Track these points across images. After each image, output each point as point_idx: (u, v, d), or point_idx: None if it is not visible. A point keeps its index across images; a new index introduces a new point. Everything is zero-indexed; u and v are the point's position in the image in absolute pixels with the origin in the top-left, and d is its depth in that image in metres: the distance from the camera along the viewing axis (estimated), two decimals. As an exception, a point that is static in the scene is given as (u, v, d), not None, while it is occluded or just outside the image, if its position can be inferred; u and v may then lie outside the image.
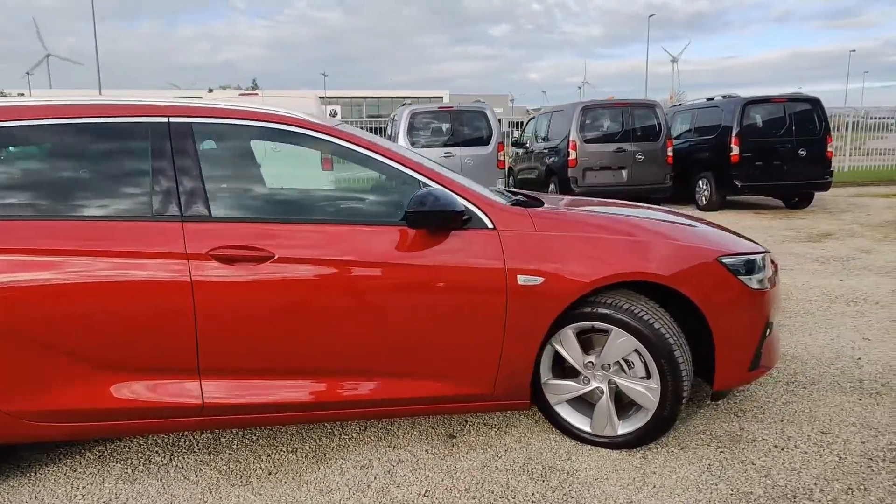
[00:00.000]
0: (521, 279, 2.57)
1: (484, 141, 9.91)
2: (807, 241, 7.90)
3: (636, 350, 2.65)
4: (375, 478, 2.60)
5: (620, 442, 2.76)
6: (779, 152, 10.37)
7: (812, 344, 4.12)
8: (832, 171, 10.64)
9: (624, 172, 10.31)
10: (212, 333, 2.43)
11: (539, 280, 2.57)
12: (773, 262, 3.16)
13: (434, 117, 9.89)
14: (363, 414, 2.65)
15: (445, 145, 9.78)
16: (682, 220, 3.16)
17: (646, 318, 2.61)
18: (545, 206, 3.01)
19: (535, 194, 3.55)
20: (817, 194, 12.07)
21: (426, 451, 2.82)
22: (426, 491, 2.50)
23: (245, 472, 2.66)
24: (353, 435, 2.97)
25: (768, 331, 2.92)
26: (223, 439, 2.95)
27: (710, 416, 3.11)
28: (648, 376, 2.66)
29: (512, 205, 2.79)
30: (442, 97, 74.19)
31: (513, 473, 2.61)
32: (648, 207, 3.60)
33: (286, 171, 2.89)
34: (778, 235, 8.39)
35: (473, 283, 2.55)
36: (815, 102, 10.56)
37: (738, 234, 3.30)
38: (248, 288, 2.43)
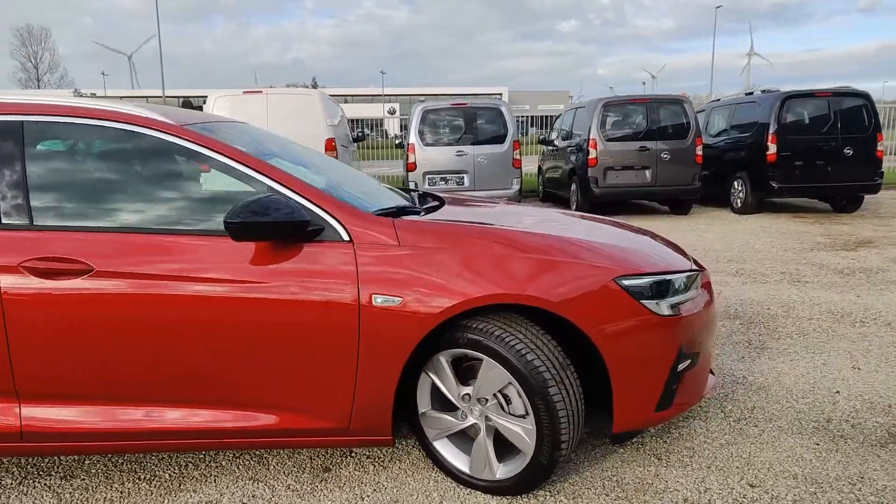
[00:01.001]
0: (378, 300, 2.25)
1: (499, 139, 9.53)
2: (838, 250, 7.18)
3: (512, 384, 2.29)
4: (214, 516, 2.35)
5: (498, 487, 2.41)
6: (822, 151, 9.54)
7: (789, 372, 3.61)
8: (882, 172, 9.73)
9: (648, 173, 9.71)
10: (26, 353, 2.23)
11: (397, 301, 2.25)
12: (708, 281, 2.73)
13: (447, 114, 9.58)
14: (204, 445, 2.39)
15: (458, 143, 9.45)
16: (612, 234, 2.78)
17: (518, 347, 2.24)
18: (436, 213, 2.69)
19: (449, 197, 3.21)
20: (869, 197, 11.11)
21: (288, 486, 2.54)
22: (260, 536, 2.23)
23: (85, 502, 2.45)
24: (223, 463, 2.72)
25: (687, 363, 2.51)
26: (88, 462, 2.76)
27: (627, 457, 2.71)
28: (526, 415, 2.30)
29: (384, 213, 2.47)
30: (501, 94, 73.65)
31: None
32: (593, 219, 3.20)
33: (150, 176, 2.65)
34: (809, 242, 7.68)
35: (321, 305, 2.25)
36: (864, 97, 9.66)
37: (681, 251, 2.88)
38: (62, 305, 2.21)
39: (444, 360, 2.41)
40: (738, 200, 10.27)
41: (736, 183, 10.34)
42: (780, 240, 7.83)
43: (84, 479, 2.61)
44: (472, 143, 9.44)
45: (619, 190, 9.73)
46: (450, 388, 2.45)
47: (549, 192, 12.26)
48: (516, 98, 69.94)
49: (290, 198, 2.31)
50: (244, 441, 2.37)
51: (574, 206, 10.26)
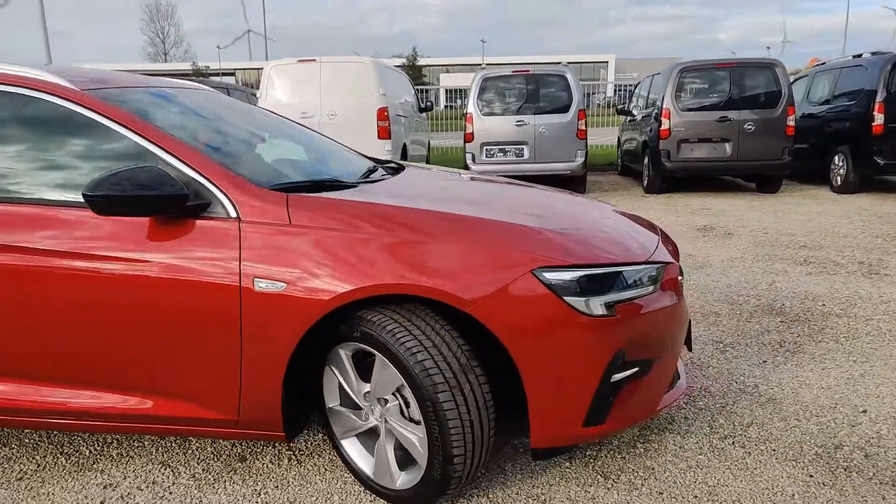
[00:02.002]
0: (260, 284, 2.03)
1: (563, 108, 8.98)
2: (941, 238, 6.20)
3: (405, 385, 2.01)
4: (103, 502, 2.25)
5: (397, 497, 2.15)
6: (941, 123, 8.28)
7: (814, 383, 3.07)
8: None
9: (728, 146, 8.82)
10: None
11: (282, 287, 2.02)
12: (675, 278, 2.30)
13: (508, 82, 9.12)
14: (92, 427, 2.28)
15: (518, 113, 9.00)
16: (568, 217, 2.42)
17: (409, 344, 1.95)
18: (368, 187, 2.42)
19: (413, 165, 2.93)
20: None
21: (194, 474, 2.40)
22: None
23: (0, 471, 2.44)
24: (146, 444, 2.63)
25: (631, 371, 2.12)
26: (24, 434, 2.75)
27: (570, 473, 2.36)
28: (421, 421, 2.02)
29: (286, 187, 2.22)
30: (607, 62, 70.73)
31: (250, 520, 2.13)
32: (560, 198, 2.83)
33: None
34: (908, 228, 6.69)
35: (201, 287, 2.05)
36: None
37: (666, 243, 2.47)
38: None
39: (343, 353, 2.16)
40: (839, 178, 9.17)
41: (836, 158, 9.22)
42: (873, 225, 6.88)
43: (11, 449, 2.60)
44: (534, 113, 8.96)
45: (695, 164, 8.93)
46: (350, 384, 2.20)
47: (626, 166, 11.53)
48: (624, 66, 66.92)
49: (179, 169, 2.11)
50: (131, 426, 2.24)
51: (646, 181, 9.55)
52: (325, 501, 2.22)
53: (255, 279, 2.03)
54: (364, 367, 2.18)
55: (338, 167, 2.84)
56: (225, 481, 2.35)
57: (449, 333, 2.02)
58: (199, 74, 57.78)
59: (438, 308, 2.07)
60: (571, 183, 9.54)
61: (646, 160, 9.59)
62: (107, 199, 1.95)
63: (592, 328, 2.00)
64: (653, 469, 2.38)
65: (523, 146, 8.98)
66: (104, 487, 2.33)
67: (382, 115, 8.32)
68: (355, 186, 2.46)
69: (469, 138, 9.09)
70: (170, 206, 2.02)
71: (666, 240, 2.60)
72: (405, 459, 2.14)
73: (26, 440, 2.67)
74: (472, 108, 9.07)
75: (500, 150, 9.05)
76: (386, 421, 2.14)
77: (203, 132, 2.48)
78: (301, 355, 2.17)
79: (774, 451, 2.50)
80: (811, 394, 2.96)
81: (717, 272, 5.06)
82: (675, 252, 2.59)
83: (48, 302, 2.12)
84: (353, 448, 2.28)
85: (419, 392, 1.95)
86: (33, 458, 2.54)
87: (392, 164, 3.24)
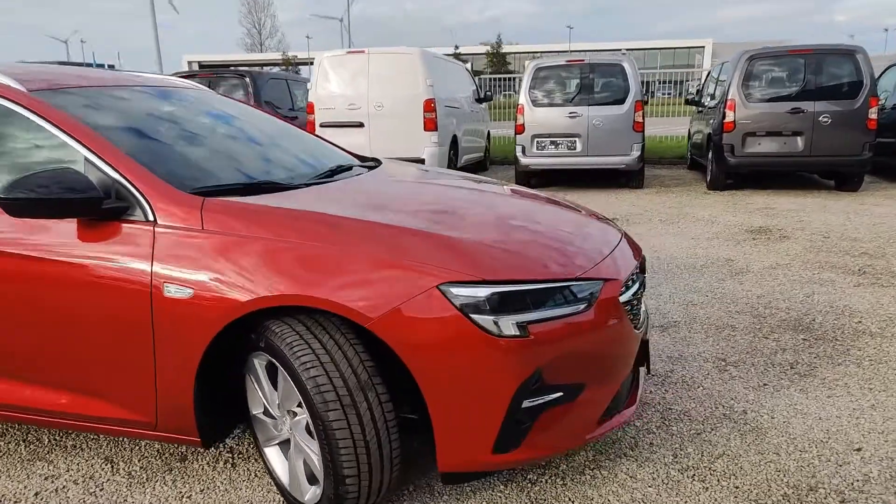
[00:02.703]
0: (170, 289, 2.01)
1: (619, 100, 8.60)
2: None
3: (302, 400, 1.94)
4: (37, 494, 2.32)
5: (304, 513, 2.09)
6: None
7: (811, 413, 2.76)
8: None
9: (800, 140, 8.16)
10: None
11: (189, 293, 1.99)
12: (615, 296, 2.12)
13: (561, 72, 8.82)
14: (32, 421, 2.35)
15: (571, 104, 8.69)
16: (514, 224, 2.30)
17: (304, 358, 1.88)
18: (308, 190, 2.37)
19: (391, 165, 2.85)
20: None
21: (131, 472, 2.44)
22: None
23: (-38, 456, 2.57)
24: (99, 439, 2.70)
25: (553, 396, 1.96)
26: (2, 415, 2.90)
27: (500, 499, 2.23)
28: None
29: (206, 191, 2.19)
30: (703, 47, 67.60)
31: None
32: (519, 196, 2.67)
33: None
34: None
35: (116, 290, 2.06)
36: None
37: (617, 243, 2.30)
38: None
39: (256, 362, 2.13)
40: (929, 176, 8.31)
41: (927, 154, 8.37)
42: (954, 229, 6.19)
43: (-17, 433, 2.75)
44: (588, 104, 8.63)
45: (761, 160, 8.33)
46: (264, 394, 2.16)
47: (695, 160, 10.94)
48: (721, 51, 63.60)
49: (105, 172, 2.12)
50: (68, 423, 2.29)
51: (708, 177, 9.01)
52: (243, 509, 2.20)
53: (165, 284, 2.01)
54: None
55: (295, 167, 2.79)
56: (157, 482, 2.37)
57: (354, 348, 1.93)
58: (287, 64, 59.74)
59: (347, 320, 1.98)
60: (625, 177, 9.14)
61: (710, 154, 9.05)
62: (19, 202, 1.98)
63: (502, 349, 1.86)
64: (591, 500, 2.21)
65: (576, 139, 8.68)
66: (45, 478, 2.41)
67: (429, 106, 8.26)
68: (296, 188, 2.41)
69: (520, 130, 8.88)
70: (83, 209, 2.03)
71: (626, 250, 2.40)
72: (314, 474, 2.08)
73: None
74: (523, 98, 8.84)
75: (552, 143, 8.78)
76: (294, 434, 2.08)
77: (148, 134, 2.48)
78: (228, 360, 2.16)
79: (737, 488, 2.26)
80: (804, 425, 2.66)
81: (753, 280, 4.68)
82: (640, 262, 2.40)
83: None
84: (274, 457, 2.25)
85: (312, 409, 1.88)
86: (-1, 444, 2.66)
87: (368, 163, 3.17)
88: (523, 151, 8.88)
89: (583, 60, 8.74)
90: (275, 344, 1.95)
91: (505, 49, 66.70)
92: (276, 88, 9.69)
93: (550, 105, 8.76)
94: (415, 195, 2.55)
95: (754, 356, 3.35)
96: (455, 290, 1.87)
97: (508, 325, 1.88)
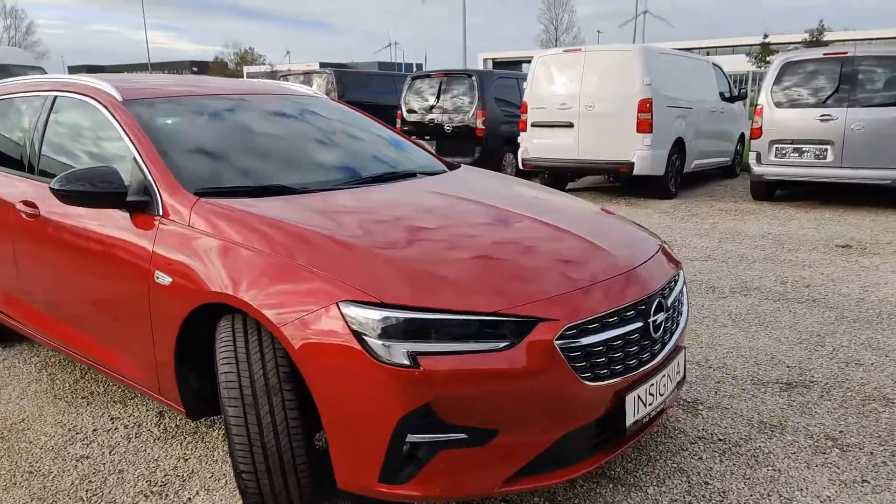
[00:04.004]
0: (158, 276, 2.28)
1: (893, 101, 7.00)
2: None
3: (229, 392, 2.04)
4: (95, 430, 2.79)
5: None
6: None
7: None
8: None
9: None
10: None
11: (168, 281, 2.23)
12: (548, 339, 1.83)
13: (817, 67, 7.45)
14: (78, 358, 2.87)
15: (825, 105, 7.32)
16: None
17: (223, 354, 1.97)
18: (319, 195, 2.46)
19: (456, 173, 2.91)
20: None
21: (125, 425, 2.79)
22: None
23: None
24: (127, 392, 3.12)
25: (456, 437, 1.78)
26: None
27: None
28: (236, 429, 2.03)
29: (236, 191, 2.40)
30: None
31: (130, 474, 2.42)
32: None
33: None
34: None
35: (130, 269, 2.39)
36: None
37: (615, 272, 2.02)
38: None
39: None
40: None
41: None
42: None
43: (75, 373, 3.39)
44: (848, 105, 7.17)
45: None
46: (223, 378, 2.31)
47: None
48: None
49: (143, 171, 2.45)
50: (101, 368, 2.74)
51: None
52: (216, 483, 2.39)
53: (156, 271, 2.28)
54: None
55: (330, 172, 2.85)
56: (132, 436, 2.70)
57: (274, 352, 1.97)
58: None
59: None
60: (892, 195, 7.44)
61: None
62: (63, 192, 2.39)
63: (387, 376, 1.74)
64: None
65: (827, 146, 7.29)
66: (110, 419, 2.90)
67: (644, 106, 7.68)
68: (302, 193, 2.47)
69: (756, 134, 7.76)
70: (111, 201, 2.38)
71: (635, 286, 2.04)
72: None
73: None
74: (763, 97, 7.70)
75: (795, 150, 7.51)
76: None
77: (198, 139, 2.75)
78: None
79: None
80: None
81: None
82: (650, 301, 2.02)
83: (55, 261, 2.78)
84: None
85: (220, 401, 1.97)
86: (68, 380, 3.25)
87: (437, 170, 3.11)
88: (758, 159, 7.75)
89: (846, 53, 7.28)
90: (215, 337, 2.08)
91: (828, 37, 58.06)
92: (503, 87, 9.88)
93: (796, 105, 7.48)
94: (417, 209, 2.45)
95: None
96: (352, 310, 1.79)
97: (399, 352, 1.74)
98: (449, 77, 10.01)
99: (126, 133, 2.59)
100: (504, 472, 1.85)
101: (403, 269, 1.90)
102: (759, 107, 7.75)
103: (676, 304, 2.37)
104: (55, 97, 3.01)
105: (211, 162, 2.66)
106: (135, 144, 2.54)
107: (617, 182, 9.82)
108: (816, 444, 2.54)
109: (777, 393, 2.96)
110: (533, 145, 8.60)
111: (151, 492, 2.32)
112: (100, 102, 2.76)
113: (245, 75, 62.59)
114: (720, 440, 2.58)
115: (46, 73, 13.41)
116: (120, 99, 2.74)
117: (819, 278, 4.76)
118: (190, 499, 2.27)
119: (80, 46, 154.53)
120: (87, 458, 2.55)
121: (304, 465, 1.98)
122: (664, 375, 2.19)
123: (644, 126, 7.71)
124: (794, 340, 3.58)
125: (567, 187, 9.55)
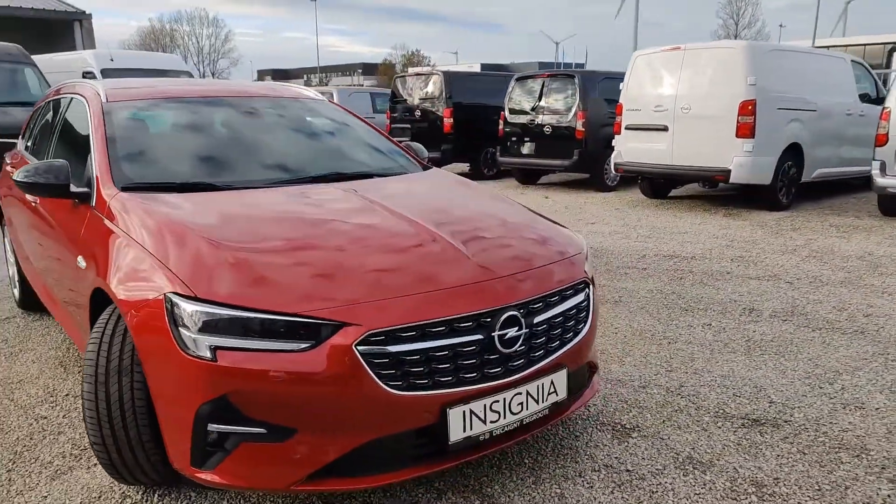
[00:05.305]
0: (78, 260, 2.53)
1: None
2: None
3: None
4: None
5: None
6: None
7: None
8: None
9: None
10: None
11: (84, 265, 2.49)
12: (348, 345, 1.83)
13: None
14: None
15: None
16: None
17: (94, 333, 2.15)
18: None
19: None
20: None
21: None
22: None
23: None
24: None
25: (249, 430, 1.84)
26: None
27: (276, 526, 2.12)
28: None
29: (162, 186, 2.60)
30: None
31: (66, 437, 2.70)
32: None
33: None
34: None
35: (64, 252, 2.75)
36: None
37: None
38: None
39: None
40: None
41: None
42: None
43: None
44: None
45: None
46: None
47: None
48: None
49: (93, 165, 2.72)
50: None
51: None
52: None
53: (79, 256, 2.55)
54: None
55: (273, 172, 2.91)
56: None
57: (131, 336, 2.11)
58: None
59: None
60: None
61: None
62: (21, 183, 2.69)
63: (191, 367, 1.84)
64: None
65: (969, 155, 6.20)
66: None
67: (746, 108, 7.00)
68: (222, 190, 2.62)
69: (881, 140, 6.78)
70: (54, 192, 2.65)
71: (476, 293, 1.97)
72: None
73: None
74: (892, 99, 6.71)
75: (929, 159, 6.46)
76: None
77: (155, 138, 3.02)
78: None
79: None
80: None
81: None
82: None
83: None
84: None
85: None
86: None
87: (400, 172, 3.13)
88: (882, 169, 6.77)
89: None
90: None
91: None
92: (608, 87, 9.47)
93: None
94: (311, 210, 2.48)
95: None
96: (175, 301, 1.90)
97: (203, 345, 1.83)
98: (552, 78, 9.80)
99: (91, 131, 2.90)
100: (302, 471, 1.86)
101: (235, 267, 1.97)
102: (885, 110, 6.76)
103: (559, 319, 2.21)
104: (71, 98, 3.44)
105: (153, 160, 2.87)
106: (93, 142, 2.83)
107: (728, 190, 9.03)
108: (734, 487, 2.23)
109: (733, 429, 2.63)
110: (626, 149, 8.16)
111: (71, 454, 2.58)
112: (88, 103, 3.11)
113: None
114: (627, 471, 2.35)
115: (193, 77, 14.95)
116: (104, 100, 3.06)
117: (890, 308, 4.10)
118: (96, 464, 2.51)
119: (270, 53, 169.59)
120: (46, 418, 2.89)
121: (151, 443, 2.11)
122: (521, 393, 2.06)
123: (744, 130, 7.03)
124: (801, 374, 3.14)
125: (671, 194, 8.97)
